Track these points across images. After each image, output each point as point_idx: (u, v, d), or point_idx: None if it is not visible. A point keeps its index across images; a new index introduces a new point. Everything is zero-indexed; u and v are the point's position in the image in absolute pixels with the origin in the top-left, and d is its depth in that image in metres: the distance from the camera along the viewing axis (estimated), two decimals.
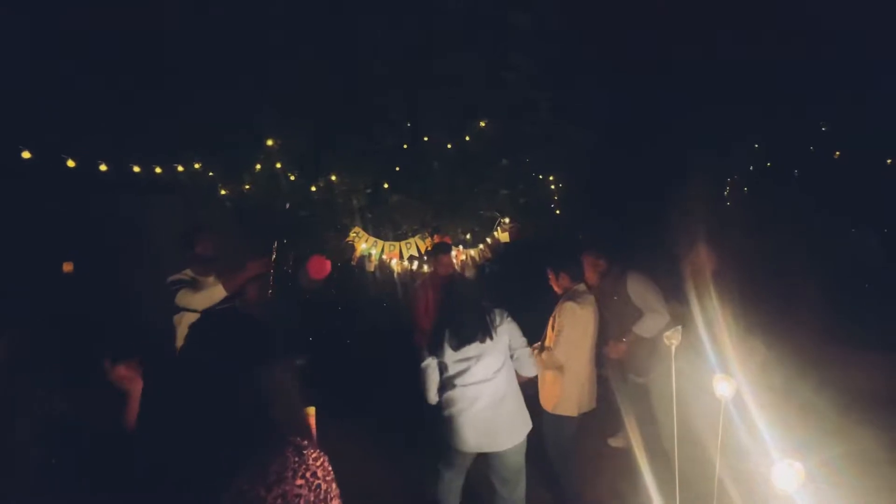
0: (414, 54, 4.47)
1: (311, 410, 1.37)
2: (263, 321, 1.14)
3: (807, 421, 1.33)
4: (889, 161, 5.50)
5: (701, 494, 1.27)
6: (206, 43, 4.06)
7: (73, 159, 3.26)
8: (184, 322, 2.61)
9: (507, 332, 2.17)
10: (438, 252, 4.32)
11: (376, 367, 4.29)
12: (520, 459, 2.12)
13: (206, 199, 4.43)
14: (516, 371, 2.20)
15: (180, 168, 4.13)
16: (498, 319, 2.15)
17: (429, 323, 3.86)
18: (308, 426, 1.11)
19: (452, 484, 2.24)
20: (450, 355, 2.12)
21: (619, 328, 2.75)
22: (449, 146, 4.68)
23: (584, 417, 2.56)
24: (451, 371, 2.13)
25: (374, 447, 3.04)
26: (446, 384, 2.14)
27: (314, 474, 0.96)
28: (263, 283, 2.82)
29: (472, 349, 2.09)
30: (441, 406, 2.15)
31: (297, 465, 0.94)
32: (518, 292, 4.86)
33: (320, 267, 4.46)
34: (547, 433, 2.56)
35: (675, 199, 5.72)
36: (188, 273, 2.67)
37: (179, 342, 2.67)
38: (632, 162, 6.28)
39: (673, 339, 1.57)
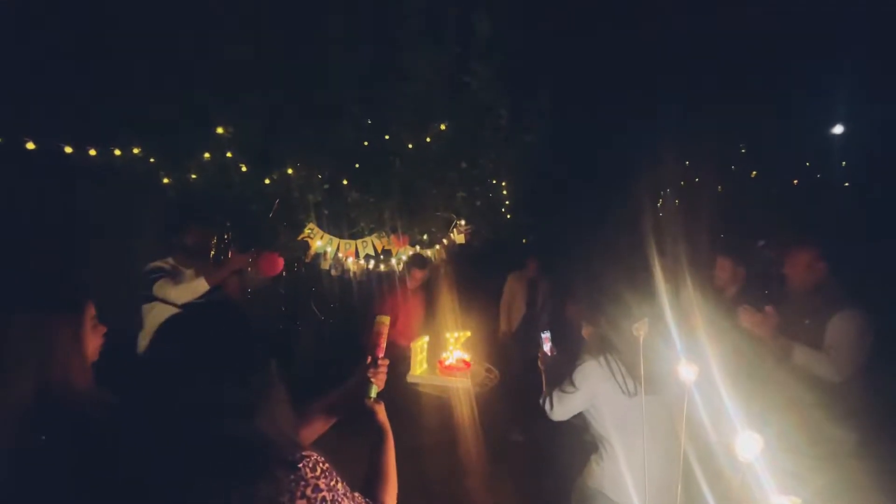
0: (377, 49, 4.44)
1: (386, 320, 1.36)
2: (251, 314, 1.05)
3: (766, 394, 1.52)
4: (795, 181, 6.33)
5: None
6: (153, 19, 3.77)
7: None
8: (153, 313, 2.46)
9: None
10: (413, 265, 4.30)
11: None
12: None
13: (145, 187, 4.10)
14: None
15: (117, 152, 3.78)
16: None
17: (408, 339, 3.83)
18: (291, 432, 1.01)
19: None
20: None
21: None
22: (410, 146, 4.68)
23: None
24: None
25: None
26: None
27: (316, 488, 0.84)
28: (242, 277, 2.73)
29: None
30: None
31: (293, 485, 0.82)
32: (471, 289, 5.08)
33: (273, 263, 4.28)
34: None
35: (615, 207, 6.22)
36: (170, 262, 2.53)
37: (147, 333, 2.50)
38: (575, 171, 6.70)
39: (641, 329, 1.69)
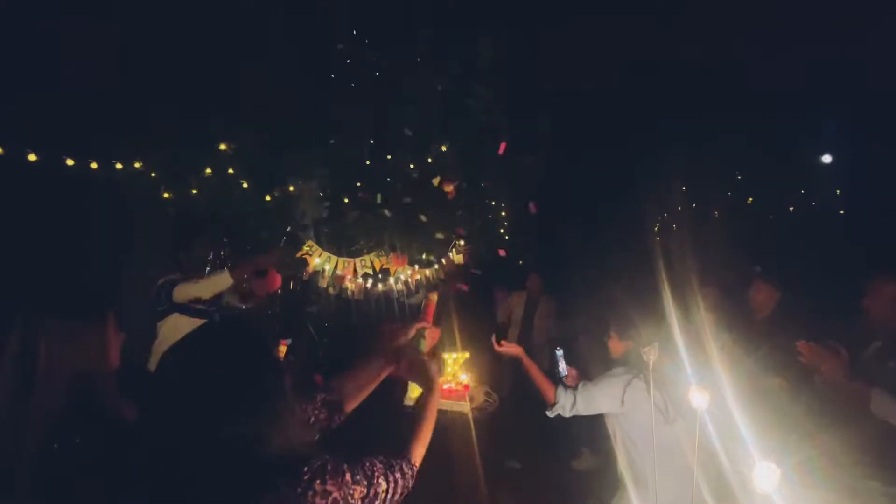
0: (382, 71, 4.52)
1: (434, 296, 1.62)
2: (269, 330, 1.07)
3: (783, 425, 1.47)
4: (791, 208, 6.43)
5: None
6: (159, 32, 3.82)
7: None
8: (168, 324, 2.43)
9: None
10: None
11: None
12: None
13: (145, 201, 4.08)
14: None
15: (119, 165, 3.77)
16: None
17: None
18: (299, 440, 1.00)
19: None
20: None
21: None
22: (412, 166, 4.72)
23: None
24: None
25: None
26: None
27: (325, 493, 0.85)
28: (269, 281, 2.77)
29: None
30: None
31: (301, 497, 0.83)
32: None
33: (271, 280, 4.24)
34: None
35: (611, 230, 6.29)
36: (178, 275, 2.53)
37: (161, 342, 2.47)
38: (573, 193, 6.78)
39: (651, 354, 1.67)
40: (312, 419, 1.20)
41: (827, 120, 5.87)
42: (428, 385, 1.33)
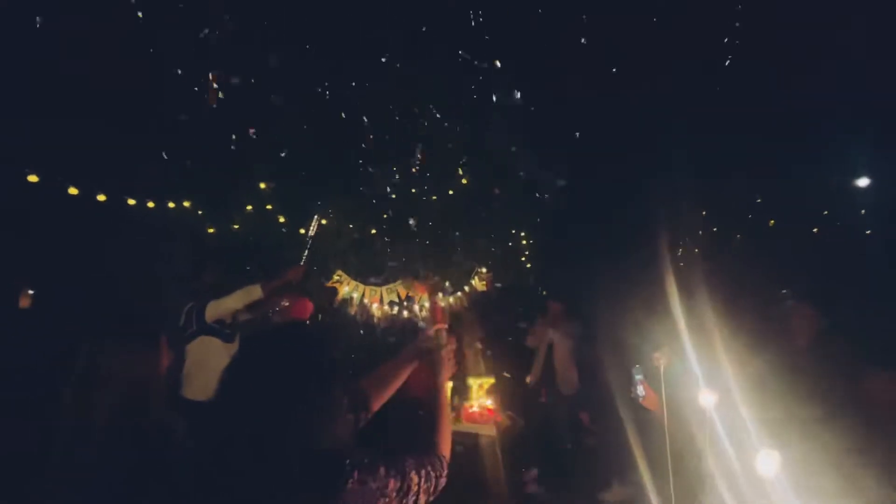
0: (407, 112, 4.86)
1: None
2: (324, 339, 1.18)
3: (787, 423, 1.50)
4: (815, 230, 6.33)
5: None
6: (209, 84, 4.26)
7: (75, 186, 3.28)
8: (195, 348, 2.50)
9: None
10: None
11: None
12: None
13: (191, 236, 4.44)
14: None
15: (171, 204, 4.17)
16: None
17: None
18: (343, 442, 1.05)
19: None
20: None
21: None
22: (434, 198, 4.98)
23: None
24: None
25: None
26: None
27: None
28: (300, 302, 2.76)
29: None
30: None
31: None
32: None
33: (303, 309, 4.48)
34: None
35: (631, 253, 6.26)
36: (206, 298, 2.58)
37: (192, 373, 2.53)
38: (591, 221, 6.84)
39: (661, 359, 1.78)
40: None
41: (850, 139, 5.84)
42: (438, 372, 1.33)
